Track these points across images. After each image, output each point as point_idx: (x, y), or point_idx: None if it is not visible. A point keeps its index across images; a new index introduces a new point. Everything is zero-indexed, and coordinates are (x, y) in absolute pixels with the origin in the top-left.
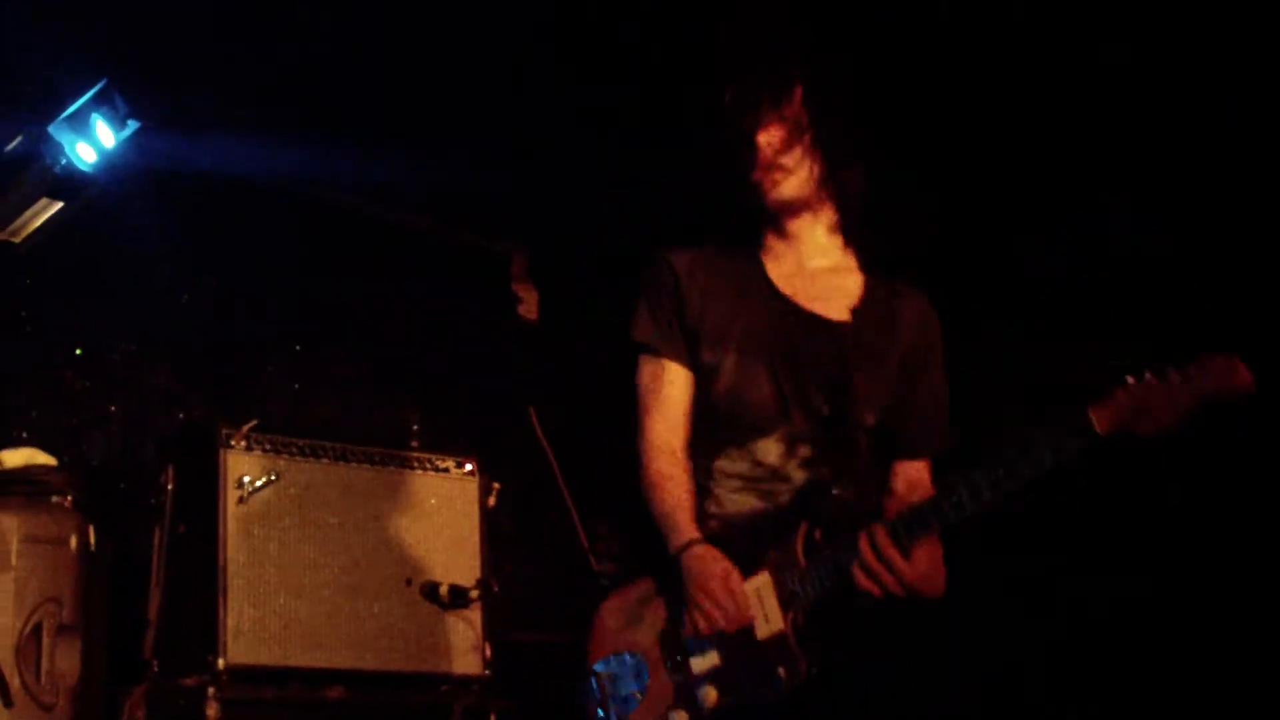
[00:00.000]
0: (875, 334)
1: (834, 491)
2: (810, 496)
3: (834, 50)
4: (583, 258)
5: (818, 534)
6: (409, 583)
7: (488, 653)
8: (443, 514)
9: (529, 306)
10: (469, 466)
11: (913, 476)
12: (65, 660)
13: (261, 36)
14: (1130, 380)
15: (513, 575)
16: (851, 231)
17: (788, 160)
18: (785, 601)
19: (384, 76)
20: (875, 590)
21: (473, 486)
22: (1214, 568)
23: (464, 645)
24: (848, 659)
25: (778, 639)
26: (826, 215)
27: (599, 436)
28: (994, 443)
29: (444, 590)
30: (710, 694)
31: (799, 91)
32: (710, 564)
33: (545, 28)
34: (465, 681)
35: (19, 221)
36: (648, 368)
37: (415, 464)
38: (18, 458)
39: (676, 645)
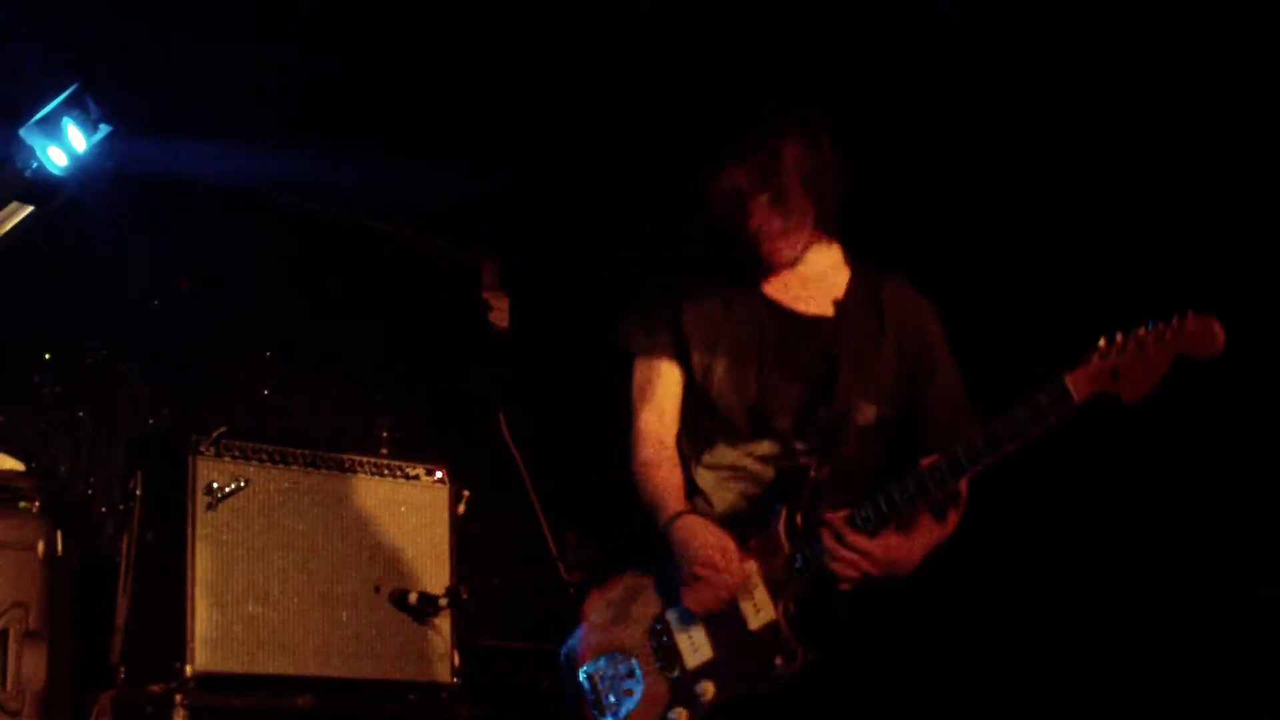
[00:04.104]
0: (860, 324)
1: (810, 475)
2: (787, 481)
3: (812, 109)
4: (554, 265)
5: (798, 518)
6: (378, 590)
7: (456, 660)
8: (412, 521)
9: (500, 314)
10: (439, 474)
11: None
12: (31, 666)
13: (233, 42)
14: (1103, 343)
15: (482, 583)
16: (834, 228)
17: (784, 231)
18: (775, 589)
19: (356, 82)
20: (851, 574)
21: (443, 494)
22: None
23: (433, 653)
24: (843, 644)
25: (770, 628)
26: (816, 234)
27: (569, 445)
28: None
29: (413, 598)
30: (708, 689)
31: (784, 165)
32: (702, 532)
33: (519, 34)
34: (434, 689)
35: None
36: (640, 368)
37: (385, 471)
38: None
39: (668, 642)
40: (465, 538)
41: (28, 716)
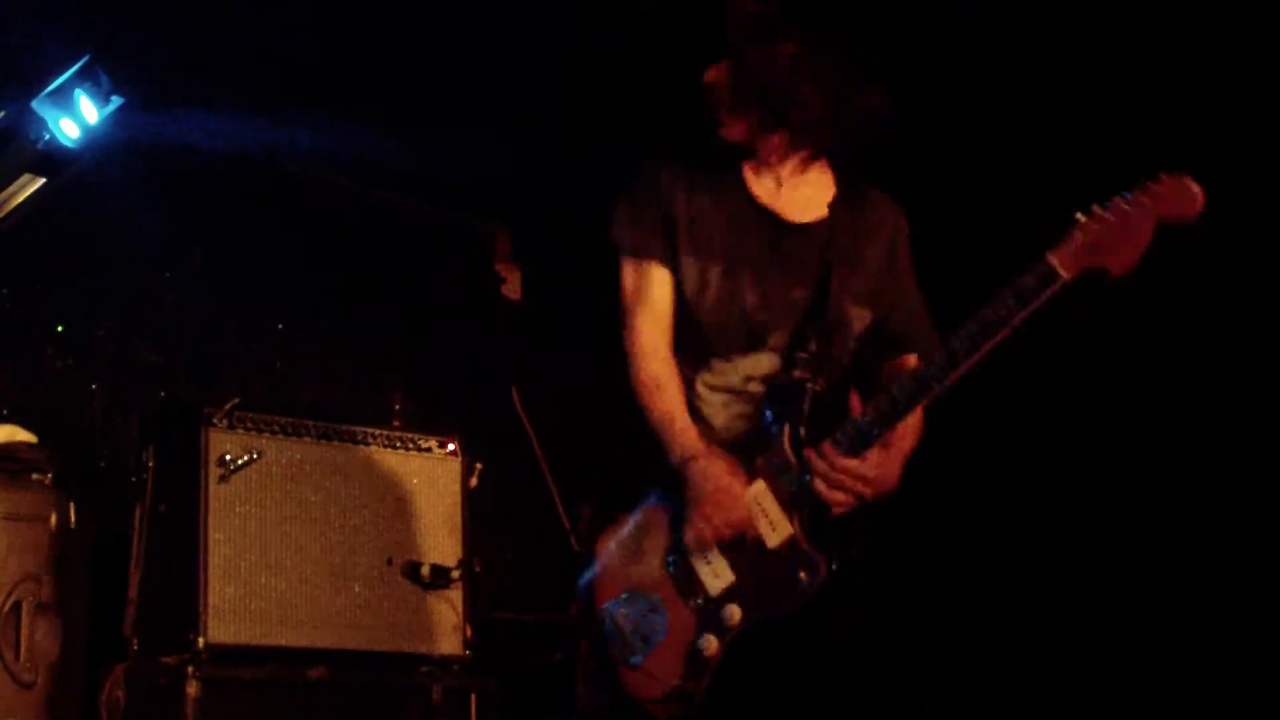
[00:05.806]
0: (849, 229)
1: (809, 387)
2: (785, 397)
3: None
4: (567, 237)
5: (802, 431)
6: (390, 562)
7: (469, 633)
8: (425, 494)
9: (513, 286)
10: (451, 446)
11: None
12: (45, 638)
13: (245, 13)
14: (1080, 217)
15: (494, 556)
16: (817, 141)
17: (756, 133)
18: (787, 505)
19: (369, 54)
20: (842, 498)
21: (455, 466)
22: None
23: (445, 625)
24: (864, 551)
25: (790, 544)
26: (790, 143)
27: (581, 416)
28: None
29: (425, 570)
30: (735, 612)
31: (758, 68)
32: (714, 477)
33: (530, 6)
34: (446, 662)
35: (1, 198)
36: (631, 271)
37: (398, 443)
38: None
39: (687, 571)
40: (477, 510)
41: (41, 688)
